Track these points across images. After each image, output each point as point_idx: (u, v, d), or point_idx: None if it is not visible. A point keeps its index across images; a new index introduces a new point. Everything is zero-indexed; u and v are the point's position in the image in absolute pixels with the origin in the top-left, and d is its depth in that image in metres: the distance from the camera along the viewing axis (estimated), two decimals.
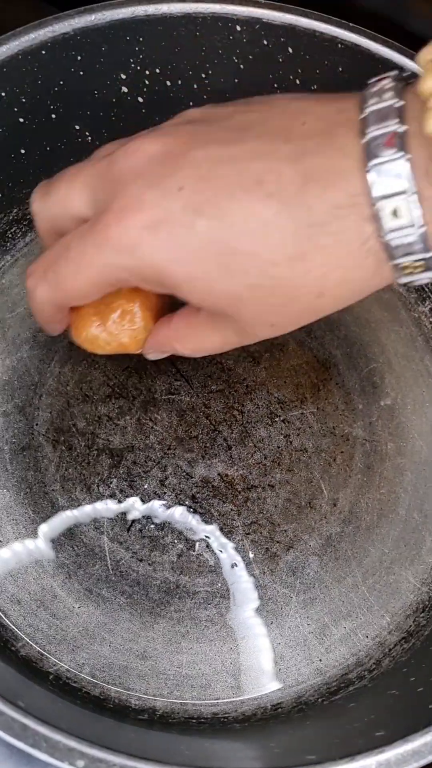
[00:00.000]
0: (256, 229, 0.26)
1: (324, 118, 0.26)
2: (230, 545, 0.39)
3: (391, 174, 0.24)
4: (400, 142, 0.24)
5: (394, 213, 0.24)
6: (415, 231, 0.25)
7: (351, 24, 0.36)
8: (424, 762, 0.26)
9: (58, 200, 0.30)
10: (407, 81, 0.26)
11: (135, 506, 0.39)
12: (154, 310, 0.33)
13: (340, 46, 0.37)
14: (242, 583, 0.39)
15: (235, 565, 0.39)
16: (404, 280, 0.27)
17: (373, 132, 0.25)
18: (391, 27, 0.39)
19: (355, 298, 0.28)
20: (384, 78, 0.26)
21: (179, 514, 0.39)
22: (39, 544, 0.38)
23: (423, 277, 0.26)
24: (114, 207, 0.27)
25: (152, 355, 0.34)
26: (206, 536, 0.39)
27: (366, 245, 0.26)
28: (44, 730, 0.25)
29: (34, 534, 0.38)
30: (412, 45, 0.36)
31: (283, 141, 0.26)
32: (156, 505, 0.39)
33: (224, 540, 0.39)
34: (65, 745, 0.24)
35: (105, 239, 0.27)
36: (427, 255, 0.25)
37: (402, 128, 0.24)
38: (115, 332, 0.32)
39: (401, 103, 0.25)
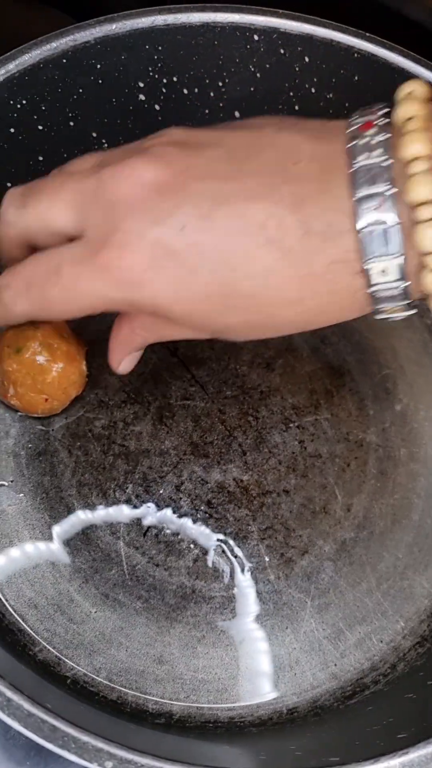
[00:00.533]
0: (259, 274, 0.27)
1: (315, 160, 0.27)
2: (245, 550, 0.39)
3: (382, 239, 0.25)
4: (389, 206, 0.25)
5: (383, 272, 0.26)
6: (399, 285, 0.26)
7: (367, 34, 0.37)
8: None
9: (37, 213, 0.30)
10: (387, 128, 0.26)
11: (150, 512, 0.40)
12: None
13: (356, 55, 0.38)
14: (254, 588, 0.39)
15: (249, 570, 0.39)
16: (381, 317, 0.28)
17: (364, 192, 0.25)
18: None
19: (336, 322, 0.30)
20: (367, 113, 0.27)
21: (192, 523, 0.40)
22: (55, 548, 0.39)
23: (398, 316, 0.28)
24: (115, 241, 0.27)
25: (125, 366, 0.35)
26: (220, 541, 0.39)
27: (354, 295, 0.27)
28: (73, 732, 0.25)
29: (50, 538, 0.39)
30: None
31: (281, 181, 0.27)
32: (169, 513, 0.40)
33: (239, 545, 0.39)
34: (93, 746, 0.25)
35: (107, 273, 0.27)
36: (406, 302, 0.27)
37: (391, 191, 0.25)
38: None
39: (389, 161, 0.25)
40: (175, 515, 0.39)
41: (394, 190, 0.25)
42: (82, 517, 0.39)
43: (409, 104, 0.26)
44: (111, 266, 0.27)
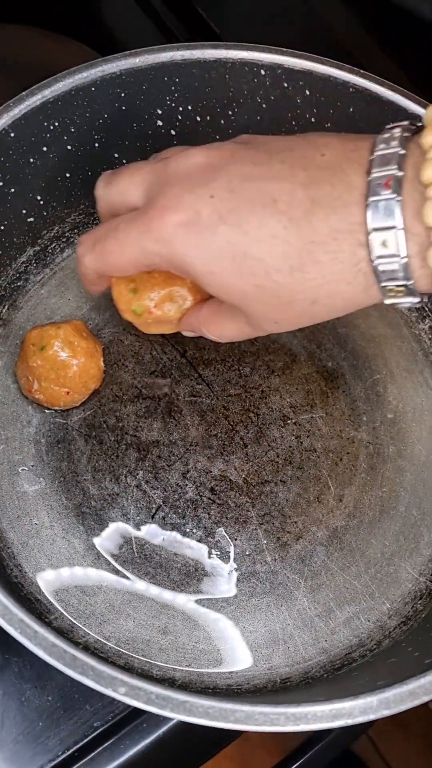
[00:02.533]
0: (266, 239, 0.31)
1: (340, 153, 0.31)
2: (245, 534, 0.43)
3: (385, 211, 0.29)
4: (396, 185, 0.29)
5: (383, 243, 0.29)
6: (399, 260, 0.29)
7: (362, 71, 0.41)
8: (418, 702, 0.29)
9: (118, 190, 0.36)
10: (415, 131, 0.31)
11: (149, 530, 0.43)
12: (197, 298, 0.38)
13: (351, 90, 0.42)
14: (252, 568, 0.42)
15: (248, 552, 0.42)
16: (389, 301, 0.31)
17: (376, 173, 0.29)
18: None
19: (347, 309, 0.33)
20: (396, 126, 0.31)
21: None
22: (70, 526, 0.42)
23: (405, 301, 0.31)
24: (158, 203, 0.32)
25: (186, 333, 0.40)
26: (222, 527, 0.43)
27: (357, 266, 0.30)
28: (91, 661, 0.28)
29: (66, 517, 0.42)
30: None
31: (302, 168, 0.31)
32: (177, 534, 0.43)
33: (239, 529, 0.43)
34: (109, 674, 0.28)
35: (147, 229, 0.32)
36: (408, 282, 0.30)
37: (399, 173, 0.29)
38: (165, 309, 0.38)
39: (403, 151, 0.29)
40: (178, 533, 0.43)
41: (402, 173, 0.29)
42: (96, 500, 0.43)
43: None
44: (151, 223, 0.32)
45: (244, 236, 0.31)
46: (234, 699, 0.31)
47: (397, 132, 0.30)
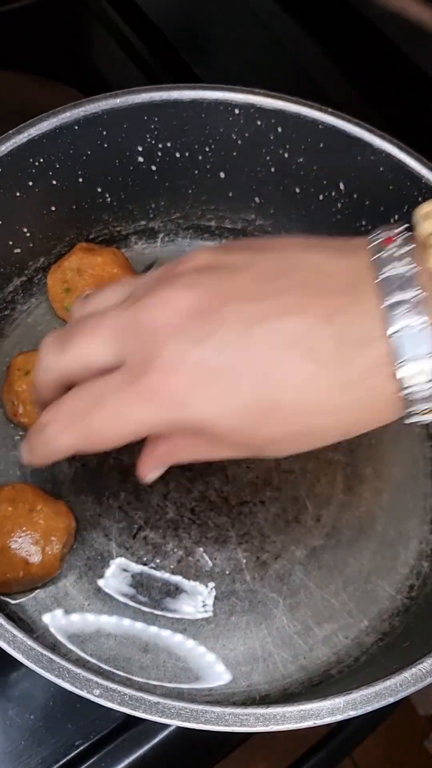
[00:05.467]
0: (296, 387, 0.28)
1: (344, 274, 0.29)
2: (224, 553, 0.44)
3: (413, 341, 0.27)
4: (421, 309, 0.26)
5: (417, 373, 0.27)
6: (430, 385, 0.27)
7: (329, 109, 0.44)
8: (384, 703, 0.30)
9: (76, 355, 0.31)
10: (409, 241, 0.28)
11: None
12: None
13: (320, 127, 0.44)
14: (232, 587, 0.43)
15: (227, 572, 0.43)
16: (412, 420, 0.29)
17: (393, 299, 0.27)
18: None
19: (372, 428, 0.31)
20: (389, 240, 0.28)
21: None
22: None
23: (427, 419, 0.29)
24: (157, 365, 0.28)
25: (151, 476, 0.35)
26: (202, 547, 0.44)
27: (390, 398, 0.28)
28: (67, 665, 0.29)
29: None
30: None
31: (312, 297, 0.28)
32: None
33: (219, 548, 0.44)
34: (84, 676, 0.29)
35: (151, 397, 0.29)
36: None
37: (421, 294, 0.26)
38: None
39: (415, 269, 0.27)
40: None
41: (424, 294, 0.26)
42: (79, 521, 0.44)
43: (430, 221, 0.28)
44: (154, 390, 0.28)
45: (272, 387, 0.28)
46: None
47: (395, 248, 0.28)
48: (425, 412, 0.28)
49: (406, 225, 0.29)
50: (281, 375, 0.28)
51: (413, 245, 0.28)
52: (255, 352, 0.28)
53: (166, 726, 0.41)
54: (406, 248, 0.28)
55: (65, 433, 0.31)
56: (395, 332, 0.27)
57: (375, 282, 0.27)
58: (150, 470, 0.34)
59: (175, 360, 0.28)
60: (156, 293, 0.29)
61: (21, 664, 0.40)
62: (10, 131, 0.41)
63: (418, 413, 0.28)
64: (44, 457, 0.33)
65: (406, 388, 0.27)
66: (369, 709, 0.30)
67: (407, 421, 0.29)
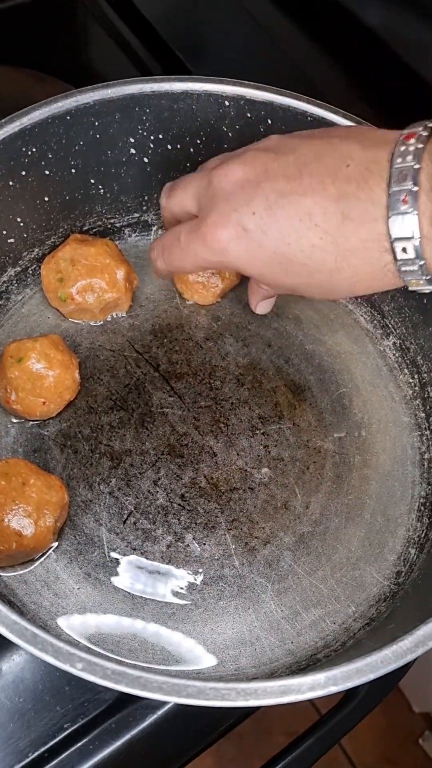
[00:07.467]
0: (306, 248, 0.36)
1: (362, 165, 0.35)
2: (214, 539, 0.44)
3: (404, 224, 0.33)
4: (412, 200, 0.33)
5: (404, 250, 0.34)
6: (417, 263, 0.34)
7: (318, 101, 0.44)
8: (365, 679, 0.30)
9: (176, 201, 0.42)
10: (428, 135, 0.34)
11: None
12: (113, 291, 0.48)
13: (309, 118, 0.45)
14: (221, 572, 0.44)
15: (216, 557, 0.44)
16: (413, 288, 0.36)
17: (395, 188, 0.33)
18: None
19: (378, 290, 0.38)
20: (411, 135, 0.34)
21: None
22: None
23: (426, 288, 0.36)
24: (210, 219, 0.38)
25: (261, 308, 0.48)
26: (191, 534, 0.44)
27: (385, 267, 0.36)
28: (50, 639, 0.29)
29: None
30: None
31: (330, 181, 0.35)
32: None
33: (208, 534, 0.44)
34: (67, 650, 0.29)
35: (203, 242, 0.39)
36: (426, 277, 0.35)
37: (414, 189, 0.33)
38: (86, 297, 0.47)
39: (417, 166, 0.33)
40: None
41: (417, 188, 0.33)
42: (70, 507, 0.44)
43: None
44: (206, 237, 0.38)
45: (288, 247, 0.37)
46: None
47: (411, 144, 0.33)
48: (419, 284, 0.35)
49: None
50: (294, 239, 0.36)
51: (424, 145, 0.33)
52: (276, 220, 0.36)
53: (155, 710, 0.42)
54: (420, 146, 0.33)
55: (159, 260, 0.43)
56: (390, 216, 0.33)
57: (386, 173, 0.34)
58: (254, 302, 0.48)
59: (221, 218, 0.38)
60: (225, 165, 0.39)
61: (9, 646, 0.42)
62: (3, 120, 0.42)
63: (414, 284, 0.36)
64: (154, 272, 0.45)
65: (398, 261, 0.34)
66: (349, 685, 0.30)
67: (410, 288, 0.36)
